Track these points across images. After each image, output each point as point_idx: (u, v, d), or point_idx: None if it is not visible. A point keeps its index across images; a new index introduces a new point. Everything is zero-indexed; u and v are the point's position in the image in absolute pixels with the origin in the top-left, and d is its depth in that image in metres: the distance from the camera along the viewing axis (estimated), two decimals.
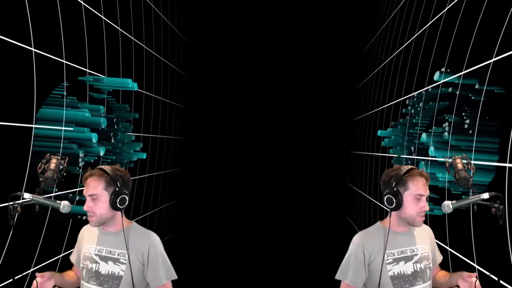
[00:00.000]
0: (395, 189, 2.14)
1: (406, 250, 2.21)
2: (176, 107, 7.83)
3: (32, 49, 3.39)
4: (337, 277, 2.26)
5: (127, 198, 2.18)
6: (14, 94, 3.22)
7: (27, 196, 2.09)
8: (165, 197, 7.18)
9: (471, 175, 2.21)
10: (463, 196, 2.96)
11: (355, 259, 2.22)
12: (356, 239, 2.27)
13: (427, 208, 2.15)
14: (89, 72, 4.32)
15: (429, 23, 4.32)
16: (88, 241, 2.26)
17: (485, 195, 2.11)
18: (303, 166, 9.01)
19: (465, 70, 3.40)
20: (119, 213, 2.22)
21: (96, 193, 2.16)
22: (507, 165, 2.65)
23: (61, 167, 2.28)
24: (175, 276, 2.26)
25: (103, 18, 4.72)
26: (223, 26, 8.67)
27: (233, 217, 8.63)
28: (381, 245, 2.19)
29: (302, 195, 8.92)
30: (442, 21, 3.99)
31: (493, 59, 2.94)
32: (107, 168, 2.20)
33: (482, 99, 3.10)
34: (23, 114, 3.31)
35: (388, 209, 2.18)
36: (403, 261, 2.18)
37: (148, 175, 6.28)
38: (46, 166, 2.24)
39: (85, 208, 2.17)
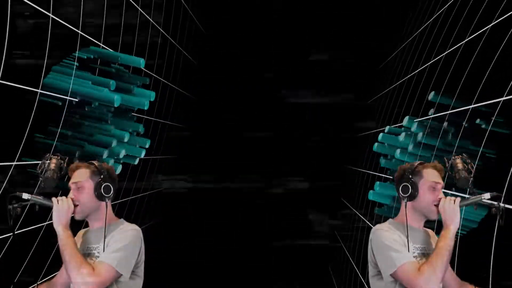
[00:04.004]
0: (410, 177, 2.14)
1: (425, 247, 2.16)
2: (183, 95, 7.83)
3: (50, 14, 3.39)
4: (390, 271, 2.05)
5: (112, 186, 2.13)
6: (25, 56, 3.22)
7: (26, 196, 2.05)
8: (150, 184, 7.18)
9: (471, 176, 2.17)
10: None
11: (398, 241, 2.09)
12: (383, 227, 2.18)
13: (443, 196, 2.13)
14: (102, 46, 4.32)
15: (446, 52, 4.32)
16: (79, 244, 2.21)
17: (487, 195, 2.09)
18: (298, 174, 9.01)
19: (474, 104, 3.40)
20: (103, 205, 2.15)
21: (81, 180, 2.13)
22: (501, 205, 2.65)
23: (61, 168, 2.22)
24: (120, 268, 2.04)
25: None
26: (239, 24, 8.66)
27: (224, 218, 8.64)
28: (404, 238, 2.13)
29: (294, 202, 8.91)
30: (459, 51, 3.99)
31: (503, 98, 2.93)
32: (94, 162, 2.19)
33: (486, 136, 3.09)
34: (31, 77, 3.31)
35: (403, 198, 2.15)
36: (424, 259, 2.10)
37: (144, 158, 6.27)
38: (46, 166, 2.17)
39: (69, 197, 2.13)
